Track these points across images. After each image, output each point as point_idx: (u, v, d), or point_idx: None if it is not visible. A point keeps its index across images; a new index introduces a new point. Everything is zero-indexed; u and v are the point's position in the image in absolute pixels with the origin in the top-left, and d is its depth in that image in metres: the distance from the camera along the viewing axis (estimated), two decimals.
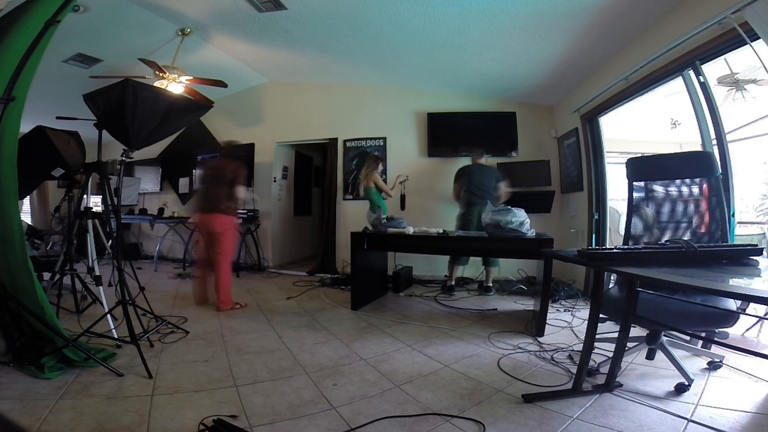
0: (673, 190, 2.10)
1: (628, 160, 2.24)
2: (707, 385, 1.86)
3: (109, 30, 3.81)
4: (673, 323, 1.79)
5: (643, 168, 2.21)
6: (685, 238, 1.98)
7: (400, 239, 3.41)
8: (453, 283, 4.09)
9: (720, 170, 1.98)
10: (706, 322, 1.78)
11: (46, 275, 2.86)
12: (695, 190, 2.05)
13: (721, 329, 1.95)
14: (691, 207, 2.05)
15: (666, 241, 1.65)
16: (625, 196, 2.23)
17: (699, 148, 2.70)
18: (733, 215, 2.46)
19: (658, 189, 2.14)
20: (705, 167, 2.00)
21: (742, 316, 1.88)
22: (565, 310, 3.29)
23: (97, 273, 2.50)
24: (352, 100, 5.26)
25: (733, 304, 1.76)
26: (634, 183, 2.18)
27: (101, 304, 2.55)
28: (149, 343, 2.35)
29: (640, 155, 2.44)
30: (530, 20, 3.06)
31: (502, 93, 4.76)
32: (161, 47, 4.13)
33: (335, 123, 5.32)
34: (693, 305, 1.76)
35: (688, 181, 2.06)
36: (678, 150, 2.81)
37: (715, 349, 2.14)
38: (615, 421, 1.56)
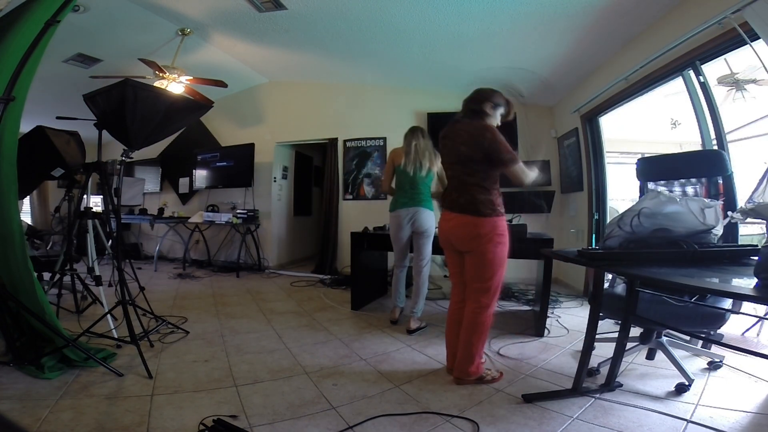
0: (689, 189, 2.08)
1: (639, 159, 2.22)
2: (707, 385, 1.86)
3: (109, 30, 3.81)
4: (669, 323, 1.79)
5: (655, 167, 2.20)
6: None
7: None
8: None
9: (731, 169, 1.98)
10: (704, 323, 1.78)
11: (46, 275, 2.87)
12: (704, 189, 2.03)
13: (716, 330, 1.95)
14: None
15: None
16: (625, 196, 2.23)
17: (699, 148, 2.69)
18: None
19: (666, 188, 2.12)
20: (717, 166, 2.00)
21: (740, 316, 1.88)
22: (564, 311, 3.29)
23: (97, 273, 2.51)
24: (352, 100, 5.25)
25: (728, 305, 1.76)
26: (649, 183, 2.16)
27: (101, 304, 2.56)
28: (149, 343, 2.35)
29: (649, 155, 2.42)
30: (530, 20, 3.06)
31: None
32: (161, 47, 4.13)
33: (335, 123, 5.31)
34: (689, 305, 1.76)
35: (695, 180, 2.05)
36: (678, 150, 2.80)
37: (715, 349, 2.14)
38: (615, 421, 1.56)
